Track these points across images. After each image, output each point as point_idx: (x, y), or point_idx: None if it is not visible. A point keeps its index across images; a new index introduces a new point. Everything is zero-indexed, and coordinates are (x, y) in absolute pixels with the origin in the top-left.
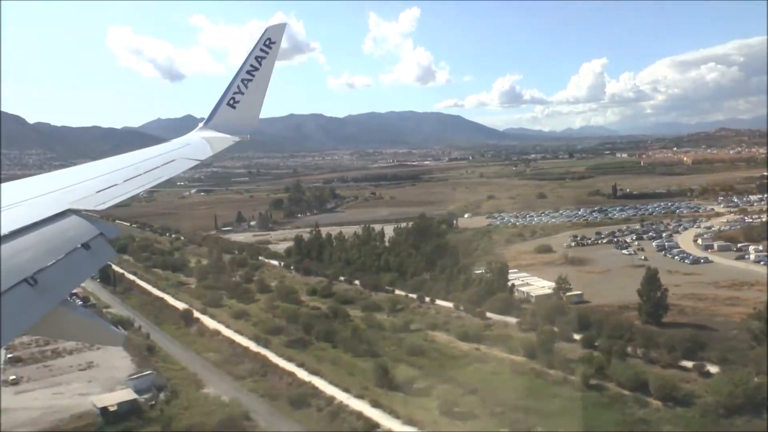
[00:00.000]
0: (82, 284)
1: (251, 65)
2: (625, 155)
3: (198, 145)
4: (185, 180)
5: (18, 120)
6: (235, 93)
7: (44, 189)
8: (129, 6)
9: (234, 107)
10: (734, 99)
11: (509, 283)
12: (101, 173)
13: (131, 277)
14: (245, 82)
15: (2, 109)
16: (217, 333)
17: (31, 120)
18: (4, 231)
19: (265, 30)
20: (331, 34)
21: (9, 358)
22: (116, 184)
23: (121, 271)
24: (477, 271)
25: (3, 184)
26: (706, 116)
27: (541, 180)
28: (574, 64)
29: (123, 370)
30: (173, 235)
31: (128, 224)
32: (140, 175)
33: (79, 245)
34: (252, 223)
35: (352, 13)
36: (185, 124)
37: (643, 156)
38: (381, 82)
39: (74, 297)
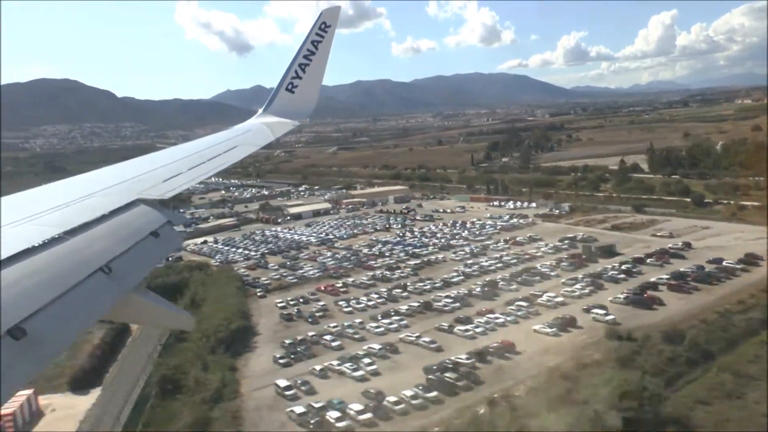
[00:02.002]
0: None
1: (308, 50)
2: (749, 101)
3: (259, 131)
4: (313, 143)
5: (108, 95)
6: (293, 78)
7: (114, 180)
8: None
9: (292, 92)
10: None
11: None
12: (167, 162)
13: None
14: (302, 66)
15: (94, 86)
16: None
17: (119, 95)
18: (79, 222)
19: (320, 14)
20: None
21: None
22: (181, 173)
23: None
24: None
25: (75, 177)
26: None
27: (700, 122)
28: (642, 17)
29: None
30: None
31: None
32: (204, 162)
33: (149, 234)
34: (504, 159)
35: None
36: (255, 95)
37: None
38: (445, 44)
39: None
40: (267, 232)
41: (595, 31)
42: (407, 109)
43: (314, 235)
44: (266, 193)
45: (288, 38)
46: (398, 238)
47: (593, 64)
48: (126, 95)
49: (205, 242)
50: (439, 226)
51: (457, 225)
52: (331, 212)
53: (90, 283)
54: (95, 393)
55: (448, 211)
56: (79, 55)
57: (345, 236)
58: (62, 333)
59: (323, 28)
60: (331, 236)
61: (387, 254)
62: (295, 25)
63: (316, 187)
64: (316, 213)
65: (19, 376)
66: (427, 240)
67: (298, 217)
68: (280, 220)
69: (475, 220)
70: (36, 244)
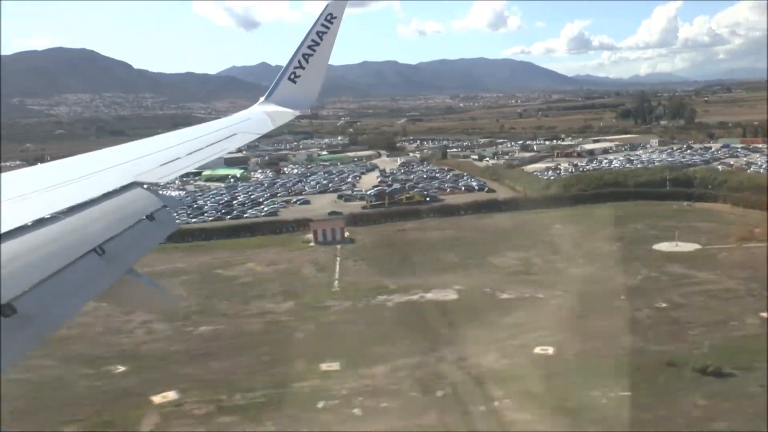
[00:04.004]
0: None
1: (312, 40)
2: None
3: (259, 119)
4: (355, 118)
5: (126, 66)
6: (296, 68)
7: (110, 162)
8: None
9: (295, 82)
10: None
11: None
12: (165, 147)
13: None
14: (306, 57)
15: (112, 56)
16: None
17: (135, 66)
18: (73, 203)
19: (327, 5)
20: None
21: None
22: (179, 158)
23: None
24: None
25: (71, 158)
26: None
27: None
28: (646, 7)
29: None
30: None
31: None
32: (203, 148)
33: (144, 216)
34: (663, 122)
35: None
36: (260, 71)
37: None
38: (451, 28)
39: None
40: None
41: (599, 20)
42: (416, 91)
43: (670, 159)
44: (466, 143)
45: (296, 15)
46: None
47: (594, 53)
48: (141, 67)
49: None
50: None
51: None
52: (611, 150)
53: (83, 264)
54: None
55: (749, 148)
56: (84, 28)
57: (701, 162)
58: (54, 312)
59: (329, 20)
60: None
61: None
62: (304, 3)
63: (519, 140)
64: (604, 150)
65: (9, 353)
66: None
67: (591, 152)
68: (584, 154)
69: None
70: (28, 223)
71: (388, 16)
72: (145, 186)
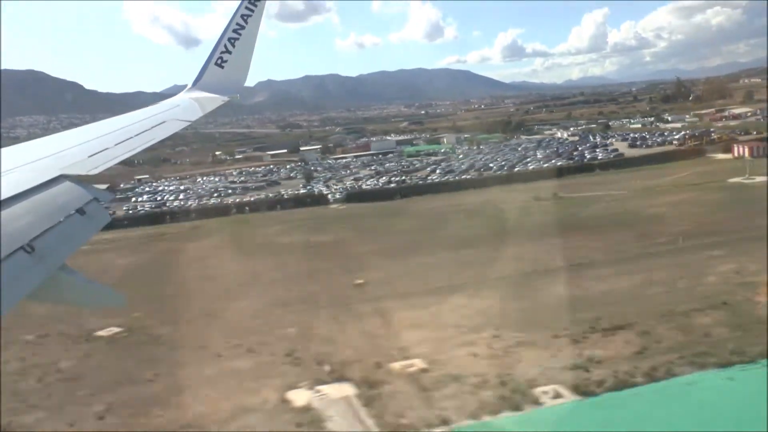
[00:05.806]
0: None
1: (237, 24)
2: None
3: (187, 107)
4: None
5: (77, 86)
6: (222, 52)
7: (36, 155)
8: None
9: (222, 67)
10: (734, 42)
11: None
12: (92, 137)
13: None
14: (232, 41)
15: (61, 77)
16: None
17: (87, 87)
18: None
19: None
20: None
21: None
22: (108, 148)
23: None
24: None
25: None
26: (705, 61)
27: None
28: (576, 14)
29: None
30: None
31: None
32: (131, 138)
33: (74, 211)
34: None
35: None
36: None
37: None
38: (389, 40)
39: None
40: None
41: (531, 28)
42: (362, 102)
43: None
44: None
45: None
46: None
47: (528, 60)
48: (90, 88)
49: None
50: None
51: None
52: (749, 115)
53: (11, 263)
54: None
55: None
56: (27, 50)
57: None
58: None
59: (253, 2)
60: None
61: None
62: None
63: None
64: (746, 115)
65: None
66: None
67: (740, 116)
68: (738, 117)
69: None
70: None
71: (327, 30)
72: (73, 179)
